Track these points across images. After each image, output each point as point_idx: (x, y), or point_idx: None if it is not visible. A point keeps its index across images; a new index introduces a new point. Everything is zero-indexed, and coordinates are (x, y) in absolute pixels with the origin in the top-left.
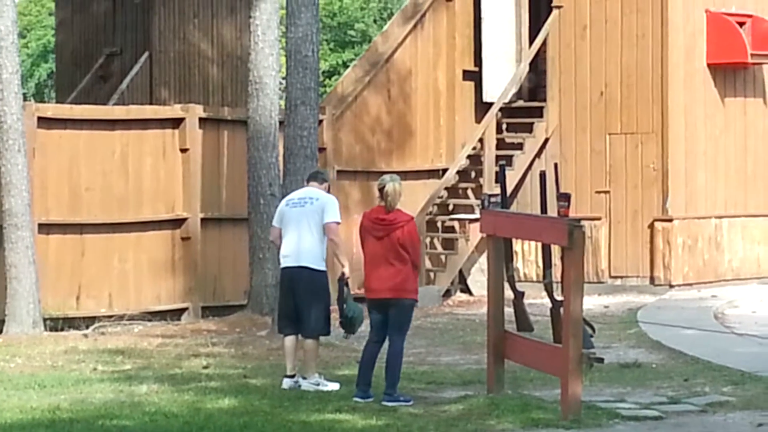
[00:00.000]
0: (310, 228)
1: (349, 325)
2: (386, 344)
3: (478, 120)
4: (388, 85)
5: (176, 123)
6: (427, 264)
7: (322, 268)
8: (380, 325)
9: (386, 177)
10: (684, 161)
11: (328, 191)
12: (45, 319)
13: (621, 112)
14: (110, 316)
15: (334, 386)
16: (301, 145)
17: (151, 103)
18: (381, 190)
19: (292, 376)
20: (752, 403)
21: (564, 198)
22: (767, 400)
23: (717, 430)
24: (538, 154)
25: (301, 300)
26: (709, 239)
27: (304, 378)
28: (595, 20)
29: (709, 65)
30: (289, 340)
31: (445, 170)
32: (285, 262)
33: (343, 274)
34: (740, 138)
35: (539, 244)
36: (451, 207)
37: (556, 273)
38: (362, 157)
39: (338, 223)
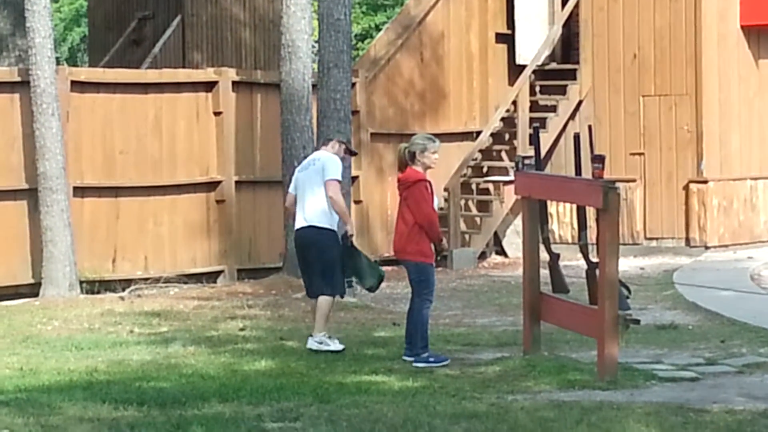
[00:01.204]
0: (312, 189)
1: (350, 283)
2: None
3: (512, 82)
4: (421, 48)
5: (209, 86)
6: (462, 226)
7: (328, 226)
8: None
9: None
10: (718, 123)
11: (348, 153)
12: (81, 282)
13: (654, 74)
14: (146, 279)
15: (338, 346)
16: (334, 108)
17: (183, 67)
18: None
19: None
20: None
21: (598, 160)
22: None
23: (754, 390)
24: (572, 117)
25: (309, 259)
26: (744, 200)
27: (311, 335)
28: None
29: (742, 27)
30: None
31: (479, 133)
32: (295, 225)
33: (345, 231)
34: None
35: (574, 206)
36: (485, 169)
37: (592, 235)
38: (395, 120)
39: (337, 181)
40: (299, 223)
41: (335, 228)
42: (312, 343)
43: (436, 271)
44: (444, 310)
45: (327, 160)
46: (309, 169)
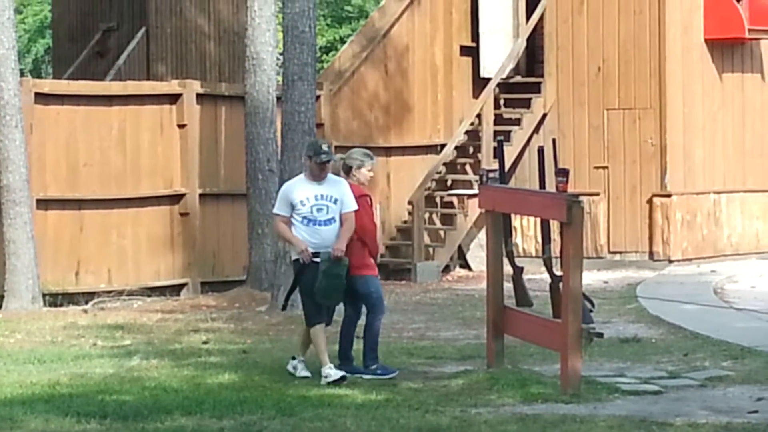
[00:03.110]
0: None
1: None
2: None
3: (476, 95)
4: (386, 61)
5: (174, 99)
6: (426, 239)
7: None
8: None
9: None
10: (682, 137)
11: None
12: (44, 295)
13: (619, 88)
14: (109, 292)
15: (304, 374)
16: (298, 120)
17: (148, 79)
18: None
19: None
20: (751, 378)
21: (562, 173)
22: (766, 374)
23: (717, 404)
24: (536, 130)
25: None
26: (707, 214)
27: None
28: None
29: (706, 40)
30: None
31: (443, 146)
32: None
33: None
34: (738, 113)
35: (538, 220)
36: (449, 182)
37: (555, 248)
38: (360, 133)
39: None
40: None
41: (294, 255)
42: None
43: (400, 285)
44: (407, 323)
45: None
46: None
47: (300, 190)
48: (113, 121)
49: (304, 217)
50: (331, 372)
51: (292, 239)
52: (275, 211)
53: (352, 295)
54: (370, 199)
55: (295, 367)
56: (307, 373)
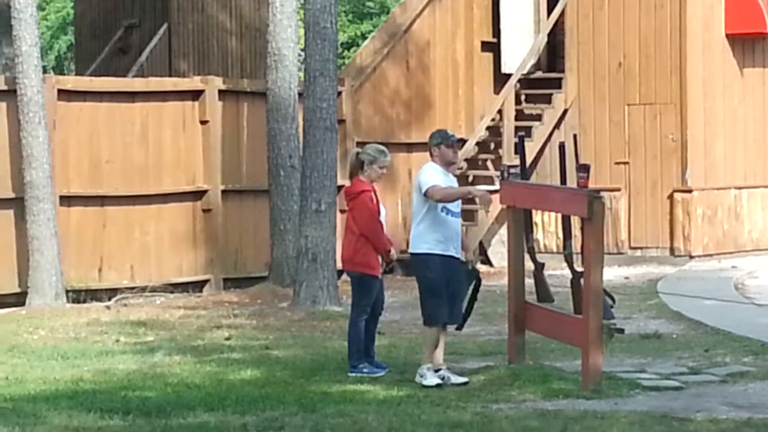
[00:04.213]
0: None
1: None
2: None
3: (497, 91)
4: (407, 57)
5: (196, 95)
6: None
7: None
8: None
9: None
10: (703, 132)
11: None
12: (67, 291)
13: (639, 83)
14: (132, 288)
15: (433, 381)
16: (320, 116)
17: (170, 75)
18: None
19: (437, 370)
20: None
21: (583, 169)
22: None
23: (737, 400)
24: (557, 125)
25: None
26: (728, 210)
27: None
28: None
29: (727, 35)
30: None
31: (464, 141)
32: None
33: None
34: (759, 108)
35: (559, 216)
36: (470, 178)
37: (577, 244)
38: (381, 129)
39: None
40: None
41: (432, 251)
42: (417, 376)
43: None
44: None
45: (420, 174)
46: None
47: (442, 176)
48: (136, 118)
49: (444, 207)
50: (428, 374)
51: (472, 190)
52: (434, 182)
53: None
54: (374, 195)
55: (443, 377)
56: (463, 378)
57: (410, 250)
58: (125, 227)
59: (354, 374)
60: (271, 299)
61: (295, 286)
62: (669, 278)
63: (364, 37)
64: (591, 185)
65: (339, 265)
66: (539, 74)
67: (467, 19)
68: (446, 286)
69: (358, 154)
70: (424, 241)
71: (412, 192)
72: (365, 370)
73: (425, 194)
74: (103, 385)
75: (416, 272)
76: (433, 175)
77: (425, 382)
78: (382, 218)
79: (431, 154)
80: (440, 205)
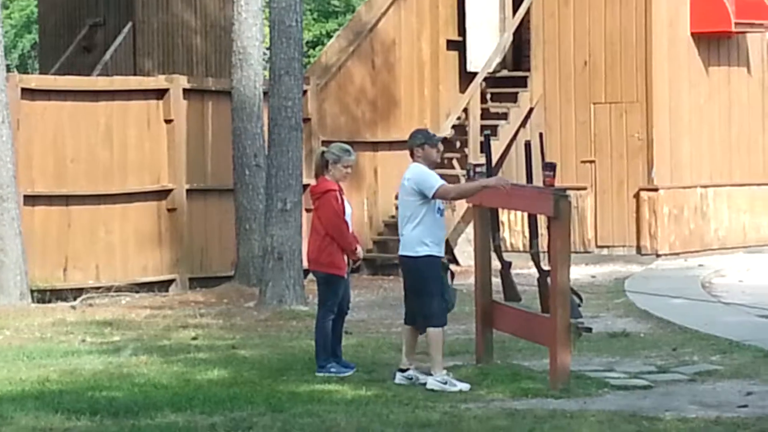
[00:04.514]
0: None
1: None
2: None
3: (463, 90)
4: (372, 56)
5: (160, 94)
6: None
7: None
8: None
9: None
10: (669, 131)
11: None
12: (32, 291)
13: (605, 82)
14: (97, 288)
15: (465, 386)
16: (285, 115)
17: (134, 74)
18: None
19: (403, 370)
20: (740, 372)
21: (549, 168)
22: (755, 368)
23: (706, 398)
24: (523, 124)
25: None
26: (695, 208)
27: (431, 374)
28: None
29: (693, 34)
30: None
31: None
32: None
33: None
34: (724, 107)
35: (525, 214)
36: None
37: (543, 243)
38: (347, 128)
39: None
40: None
41: (432, 253)
42: (432, 383)
43: (387, 280)
44: (396, 319)
45: (416, 176)
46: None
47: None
48: (100, 117)
49: (438, 208)
50: (451, 380)
51: (487, 182)
52: (440, 183)
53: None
54: (339, 195)
55: (411, 377)
56: (465, 385)
57: (406, 253)
58: (90, 227)
59: (322, 374)
60: (237, 299)
61: (261, 286)
62: (636, 277)
63: (329, 35)
64: (557, 184)
65: (305, 264)
66: (505, 73)
67: (432, 18)
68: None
69: (323, 153)
70: (423, 244)
71: (401, 195)
72: (333, 370)
73: (435, 195)
74: (69, 385)
75: (415, 275)
76: (433, 175)
77: (454, 389)
78: (348, 217)
79: (413, 155)
80: (436, 206)
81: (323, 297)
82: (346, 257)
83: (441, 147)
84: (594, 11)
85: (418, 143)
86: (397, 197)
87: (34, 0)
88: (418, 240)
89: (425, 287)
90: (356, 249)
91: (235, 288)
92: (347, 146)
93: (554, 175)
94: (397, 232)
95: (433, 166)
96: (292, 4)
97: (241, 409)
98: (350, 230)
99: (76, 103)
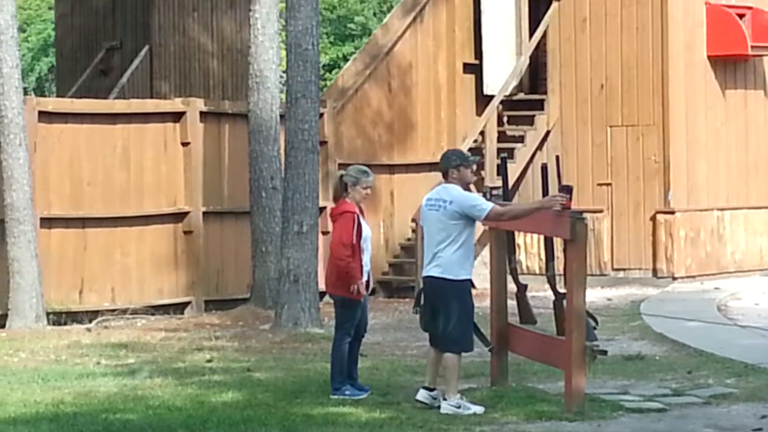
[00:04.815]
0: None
1: None
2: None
3: (479, 113)
4: (389, 78)
5: (177, 117)
6: None
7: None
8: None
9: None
10: (685, 153)
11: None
12: (48, 314)
13: (622, 105)
14: (113, 310)
15: (479, 408)
16: (302, 138)
17: (151, 97)
18: None
19: (431, 389)
20: (755, 395)
21: (566, 190)
22: None
23: (721, 421)
24: (540, 147)
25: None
26: (711, 231)
27: (445, 399)
28: (594, 13)
29: (709, 57)
30: None
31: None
32: None
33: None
34: (741, 130)
35: (542, 237)
36: None
37: (559, 266)
38: (364, 151)
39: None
40: None
41: (469, 277)
42: (446, 408)
43: (403, 302)
44: (411, 341)
45: (459, 198)
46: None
47: None
48: (117, 140)
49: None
50: (465, 403)
51: (545, 203)
52: (491, 205)
53: None
54: (357, 217)
55: (460, 406)
56: (479, 408)
57: (447, 276)
58: (106, 249)
59: (336, 396)
60: (252, 321)
61: (277, 308)
62: (652, 300)
63: (345, 59)
64: (573, 207)
65: (321, 286)
66: (521, 96)
67: (449, 41)
68: None
69: (341, 176)
70: (463, 268)
71: (436, 217)
72: (347, 393)
73: (487, 217)
74: (84, 407)
75: (453, 299)
76: (479, 196)
77: (468, 412)
78: (367, 240)
79: (448, 176)
80: (474, 229)
81: (340, 320)
82: (364, 280)
83: (475, 168)
84: (610, 35)
85: (454, 164)
86: (413, 220)
87: (51, 23)
88: (460, 264)
89: (462, 312)
90: (355, 279)
91: (250, 310)
92: (365, 168)
93: (571, 198)
94: (413, 254)
95: (466, 188)
96: (308, 28)
97: (255, 431)
98: (367, 253)
99: (93, 126)
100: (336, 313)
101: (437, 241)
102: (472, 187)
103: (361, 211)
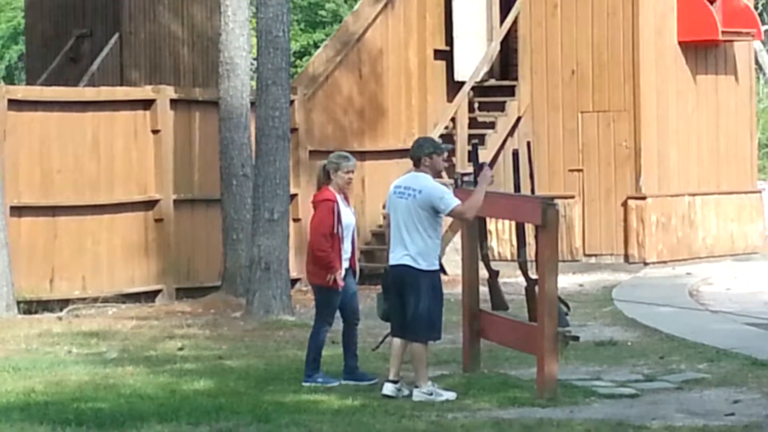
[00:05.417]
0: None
1: None
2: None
3: (450, 99)
4: (360, 65)
5: (147, 104)
6: None
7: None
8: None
9: None
10: (656, 139)
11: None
12: (18, 302)
13: (593, 91)
14: (84, 299)
15: (451, 395)
16: (272, 125)
17: (121, 85)
18: None
19: (395, 382)
20: (727, 380)
21: (482, 167)
22: (742, 376)
23: (693, 407)
24: (511, 133)
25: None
26: (682, 217)
27: (417, 386)
28: None
29: (680, 43)
30: None
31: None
32: None
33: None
34: (712, 115)
35: (513, 223)
36: None
37: (531, 252)
38: (334, 137)
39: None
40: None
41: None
42: (419, 395)
43: (375, 290)
44: (383, 329)
45: (432, 190)
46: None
47: None
48: (87, 128)
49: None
50: (437, 390)
51: (483, 185)
52: (456, 202)
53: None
54: (337, 205)
55: (431, 393)
56: (451, 394)
57: (422, 267)
58: (77, 237)
59: (308, 383)
60: (223, 309)
61: (248, 296)
62: (623, 285)
63: (316, 45)
64: (545, 193)
65: (293, 274)
66: (492, 82)
67: (420, 28)
68: None
69: (324, 166)
70: (432, 256)
71: (406, 204)
72: (320, 380)
73: (450, 214)
74: (55, 396)
75: (424, 288)
76: (447, 191)
77: (440, 399)
78: (348, 228)
79: (419, 164)
80: (442, 218)
81: (319, 308)
82: (343, 269)
83: (446, 156)
84: (581, 20)
85: (426, 152)
86: (384, 206)
87: (21, 11)
88: (429, 253)
89: (434, 301)
90: (332, 269)
91: (221, 298)
92: (346, 153)
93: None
94: (384, 242)
95: (438, 176)
96: (279, 15)
97: (227, 419)
98: (350, 241)
99: (63, 114)
100: (315, 301)
101: (406, 230)
102: (444, 174)
103: (347, 198)
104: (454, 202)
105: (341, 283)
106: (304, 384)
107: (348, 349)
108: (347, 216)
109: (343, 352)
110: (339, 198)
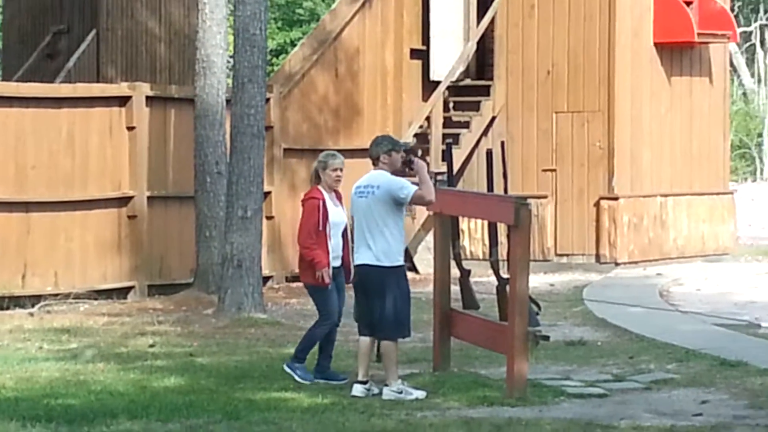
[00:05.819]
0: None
1: None
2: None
3: (426, 98)
4: (336, 64)
5: (123, 101)
6: None
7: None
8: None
9: None
10: (630, 140)
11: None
12: None
13: (568, 91)
14: (56, 295)
15: (421, 393)
16: (248, 123)
17: (98, 81)
18: None
19: (365, 382)
20: (696, 380)
21: (410, 152)
22: (710, 377)
23: (661, 407)
24: (485, 133)
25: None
26: (654, 217)
27: (386, 385)
28: None
29: (655, 44)
30: None
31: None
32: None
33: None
34: (686, 117)
35: (485, 222)
36: None
37: (503, 251)
38: (309, 136)
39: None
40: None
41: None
42: (389, 394)
43: (346, 288)
44: (354, 326)
45: (391, 184)
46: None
47: None
48: (62, 124)
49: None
50: (407, 389)
51: (421, 170)
52: (412, 188)
53: None
54: (323, 204)
55: (401, 391)
56: (421, 393)
57: (386, 264)
58: (50, 233)
59: (287, 370)
60: (195, 306)
61: (220, 293)
62: (594, 285)
63: (293, 44)
64: (518, 192)
65: (265, 271)
66: (468, 82)
67: (396, 27)
68: None
69: (315, 166)
70: (397, 253)
71: (365, 203)
72: (298, 372)
73: (412, 200)
74: (25, 392)
75: (390, 286)
76: (404, 180)
77: (410, 397)
78: (337, 225)
79: (378, 162)
80: (403, 213)
81: (318, 307)
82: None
83: (403, 154)
84: (558, 21)
85: (385, 150)
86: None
87: None
88: (393, 250)
89: (400, 299)
90: (318, 265)
91: (193, 295)
92: (333, 151)
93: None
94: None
95: (398, 174)
96: (256, 13)
97: (197, 416)
98: (335, 239)
99: (38, 110)
100: (312, 301)
101: (368, 229)
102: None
103: (339, 198)
104: (413, 188)
105: (328, 280)
106: (284, 366)
107: (323, 349)
108: (336, 214)
109: (318, 350)
110: (327, 197)
